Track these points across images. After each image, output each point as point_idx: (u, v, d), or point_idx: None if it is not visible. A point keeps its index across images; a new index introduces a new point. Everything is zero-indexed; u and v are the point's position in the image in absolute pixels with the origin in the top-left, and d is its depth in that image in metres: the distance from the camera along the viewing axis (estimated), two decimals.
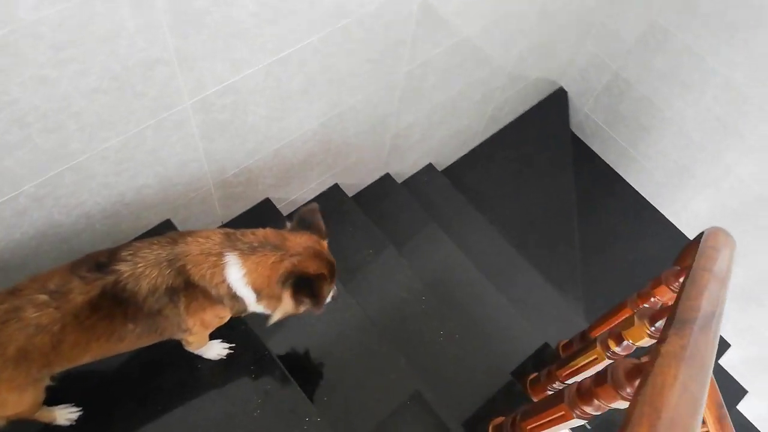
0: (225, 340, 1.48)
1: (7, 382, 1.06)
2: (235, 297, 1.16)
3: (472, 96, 2.43)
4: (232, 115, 1.41)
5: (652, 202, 3.19)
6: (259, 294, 1.17)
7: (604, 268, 3.07)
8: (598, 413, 1.27)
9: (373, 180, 2.38)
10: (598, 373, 1.23)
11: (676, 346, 0.93)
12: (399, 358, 1.76)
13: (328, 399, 1.61)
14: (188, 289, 1.12)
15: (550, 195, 3.06)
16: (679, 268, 1.69)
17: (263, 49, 1.31)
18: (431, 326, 2.04)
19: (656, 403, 0.77)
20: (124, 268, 1.08)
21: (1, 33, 0.89)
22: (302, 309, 1.21)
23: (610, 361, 1.62)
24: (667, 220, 3.18)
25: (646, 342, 1.47)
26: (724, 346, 3.13)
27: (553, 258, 2.90)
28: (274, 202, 1.88)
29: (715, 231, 1.51)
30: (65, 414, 1.32)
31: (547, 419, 1.43)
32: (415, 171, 2.65)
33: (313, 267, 1.17)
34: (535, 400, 2.05)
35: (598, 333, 2.06)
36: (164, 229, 1.56)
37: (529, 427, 1.53)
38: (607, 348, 1.59)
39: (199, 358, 1.45)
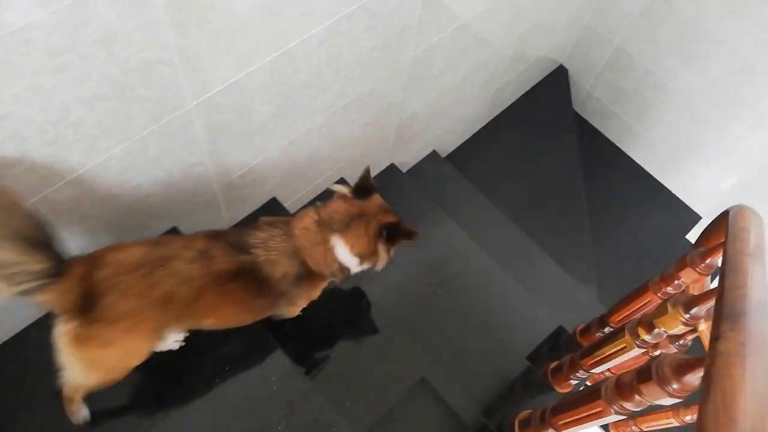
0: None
1: (144, 323, 1.12)
2: (343, 269, 1.35)
3: (476, 80, 2.36)
4: (238, 115, 1.33)
5: (658, 178, 3.14)
6: (362, 258, 1.36)
7: (614, 246, 3.03)
8: (639, 409, 1.22)
9: (379, 171, 2.31)
10: (640, 369, 1.17)
11: (735, 343, 0.88)
12: (414, 348, 1.72)
13: (351, 405, 1.55)
14: (309, 275, 1.32)
15: (556, 175, 3.00)
16: (704, 249, 1.63)
17: (269, 43, 1.23)
18: (444, 313, 2.01)
19: (730, 412, 0.72)
20: (259, 253, 1.24)
21: None
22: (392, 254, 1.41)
23: (640, 350, 1.57)
24: (675, 195, 3.13)
25: (680, 330, 1.42)
26: None
27: (563, 238, 2.85)
28: (280, 201, 1.80)
29: (742, 211, 1.46)
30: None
31: (582, 415, 1.38)
32: (419, 159, 2.57)
33: (390, 218, 1.37)
34: (558, 389, 2.01)
35: (618, 318, 2.02)
36: None
37: (560, 422, 1.48)
38: (637, 336, 1.54)
39: (221, 372, 1.40)
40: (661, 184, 3.14)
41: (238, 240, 1.24)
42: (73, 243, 1.28)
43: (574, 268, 2.74)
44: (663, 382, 1.09)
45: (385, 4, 1.45)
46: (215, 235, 1.22)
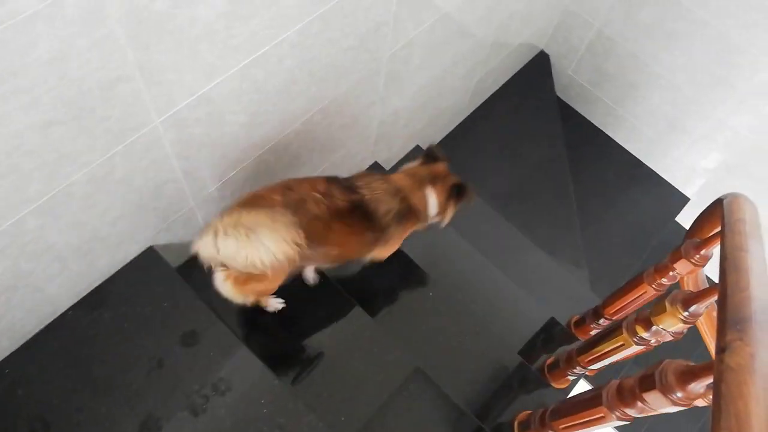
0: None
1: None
2: (428, 216, 1.59)
3: (457, 72, 2.29)
4: (208, 128, 1.26)
5: (644, 161, 3.12)
6: (440, 210, 1.60)
7: (603, 230, 3.00)
8: (642, 416, 1.18)
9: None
10: (643, 375, 1.13)
11: (744, 355, 0.83)
12: (406, 353, 1.66)
13: (346, 419, 1.50)
14: (408, 213, 1.54)
15: (541, 162, 2.95)
16: (699, 240, 1.59)
17: (237, 51, 1.15)
18: (436, 314, 1.95)
19: None
20: (366, 192, 1.43)
21: None
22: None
23: (639, 347, 1.54)
24: (662, 177, 3.11)
25: (679, 327, 1.39)
26: None
27: (551, 225, 2.81)
28: None
29: (737, 200, 1.42)
30: (276, 303, 1.61)
31: (583, 420, 1.34)
32: (402, 155, 2.51)
33: (457, 180, 1.61)
34: (555, 386, 1.98)
35: (613, 310, 1.99)
36: (147, 259, 1.40)
37: (561, 426, 1.44)
38: (635, 333, 1.51)
39: (206, 397, 1.33)
40: (648, 167, 3.11)
41: (347, 183, 1.44)
42: (41, 273, 1.20)
43: (563, 255, 2.71)
44: (667, 391, 1.05)
45: (359, 2, 1.38)
46: (329, 179, 1.41)
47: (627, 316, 1.56)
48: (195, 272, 1.53)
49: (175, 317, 1.36)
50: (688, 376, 1.03)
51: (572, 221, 2.82)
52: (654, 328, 1.44)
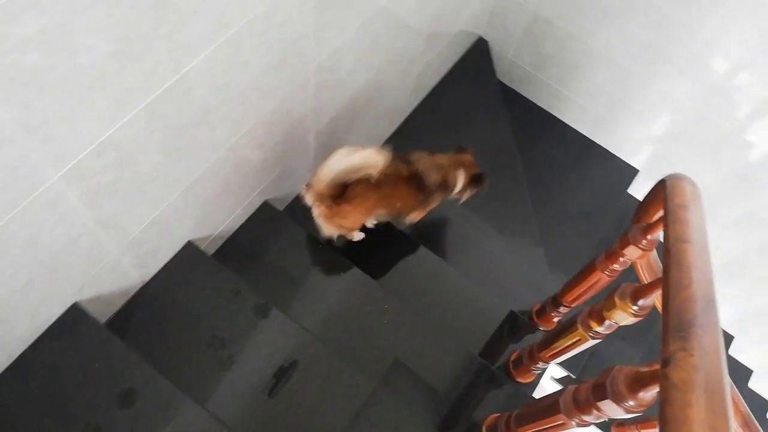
0: None
1: (368, 208, 1.83)
2: (454, 192, 2.09)
3: (393, 71, 2.23)
4: (119, 172, 1.17)
5: (592, 138, 3.12)
6: (461, 190, 2.08)
7: (558, 211, 2.99)
8: (599, 422, 1.16)
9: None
10: (596, 384, 1.11)
11: (688, 368, 0.81)
12: (360, 377, 1.60)
13: None
14: (444, 185, 2.02)
15: (490, 149, 2.90)
16: (644, 225, 1.58)
17: (136, 90, 1.07)
18: (394, 327, 1.87)
19: None
20: (419, 165, 1.91)
21: None
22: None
23: (596, 341, 1.52)
24: (610, 152, 3.12)
25: (631, 321, 1.37)
26: None
27: (506, 212, 2.79)
28: (197, 244, 1.65)
29: (679, 183, 1.41)
30: (358, 235, 2.08)
31: (546, 426, 1.32)
32: None
33: (478, 169, 2.12)
34: (520, 381, 1.97)
35: (571, 298, 1.98)
36: (71, 318, 1.31)
37: None
38: (589, 328, 1.49)
39: None
40: (596, 143, 3.12)
41: (406, 158, 1.91)
42: None
43: (521, 240, 2.70)
44: (619, 399, 1.03)
45: (271, 19, 1.30)
46: (395, 156, 1.78)
47: (581, 312, 1.54)
48: (129, 321, 1.45)
49: (109, 377, 1.27)
50: (637, 384, 1.00)
51: (525, 205, 2.81)
52: (607, 322, 1.43)
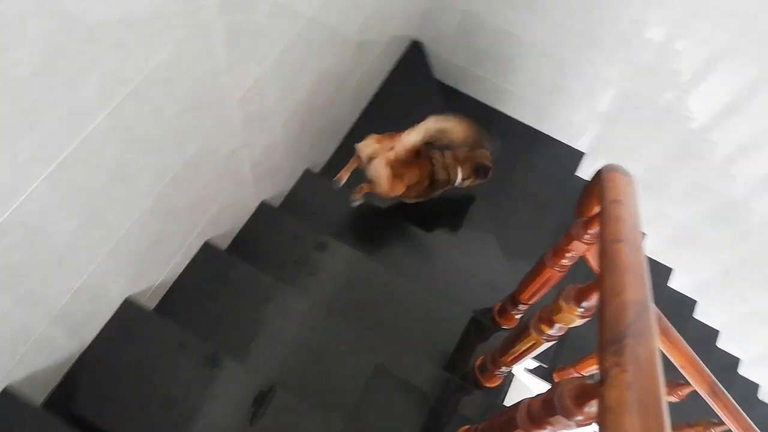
0: None
1: (402, 179, 2.10)
2: (455, 183, 2.38)
3: (326, 89, 2.19)
4: (30, 249, 1.11)
5: (535, 126, 3.13)
6: (462, 180, 2.38)
7: (509, 203, 3.01)
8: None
9: (249, 216, 2.10)
10: (545, 399, 1.10)
11: (622, 386, 0.80)
12: (319, 415, 1.55)
13: None
14: (446, 182, 2.34)
15: None
16: (585, 219, 1.59)
17: (33, 163, 1.01)
18: (352, 352, 1.84)
19: None
20: (434, 161, 2.28)
21: None
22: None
23: (551, 343, 1.52)
24: (554, 138, 3.14)
25: (579, 322, 1.37)
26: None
27: (457, 214, 2.79)
28: (137, 299, 1.58)
29: (612, 176, 1.40)
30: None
31: None
32: (293, 184, 2.39)
33: (486, 161, 2.40)
34: (488, 385, 1.96)
35: (528, 295, 1.98)
36: (2, 405, 1.24)
37: None
38: (542, 332, 1.49)
39: None
40: (540, 132, 3.13)
41: (427, 153, 2.22)
42: None
43: (473, 238, 2.69)
44: (568, 414, 1.02)
45: (177, 64, 1.25)
46: (417, 151, 2.08)
47: (532, 315, 1.54)
48: (72, 395, 1.38)
49: None
50: (582, 398, 0.99)
51: (475, 202, 2.81)
52: (557, 326, 1.43)
